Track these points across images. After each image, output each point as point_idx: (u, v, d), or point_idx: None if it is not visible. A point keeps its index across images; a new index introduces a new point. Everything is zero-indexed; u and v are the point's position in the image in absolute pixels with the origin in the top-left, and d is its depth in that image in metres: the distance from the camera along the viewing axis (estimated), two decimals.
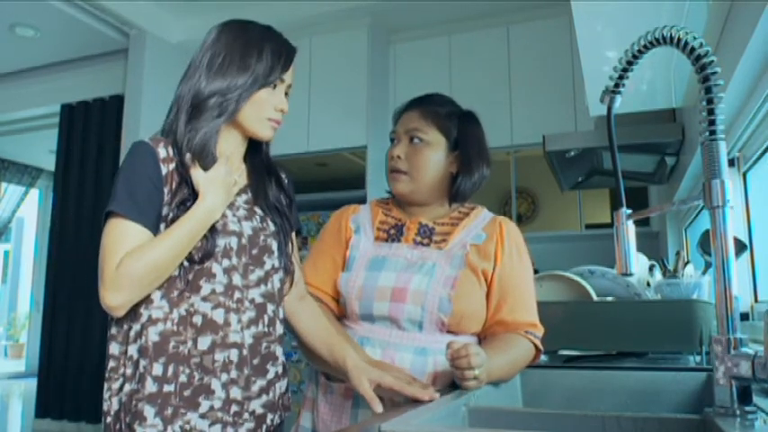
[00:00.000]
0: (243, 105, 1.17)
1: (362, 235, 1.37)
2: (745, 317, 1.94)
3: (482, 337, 1.33)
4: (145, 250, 1.05)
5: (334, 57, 4.14)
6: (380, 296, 1.26)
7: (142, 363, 1.07)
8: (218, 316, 1.11)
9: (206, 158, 1.14)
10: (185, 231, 1.08)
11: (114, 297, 1.04)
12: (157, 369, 1.07)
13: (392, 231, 1.36)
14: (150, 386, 1.06)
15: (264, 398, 1.16)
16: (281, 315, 1.23)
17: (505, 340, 1.26)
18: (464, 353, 1.06)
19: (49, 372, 4.66)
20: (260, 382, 1.16)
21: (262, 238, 1.19)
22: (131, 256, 1.04)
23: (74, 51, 4.75)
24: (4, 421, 5.56)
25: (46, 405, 4.63)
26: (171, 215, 1.11)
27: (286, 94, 1.23)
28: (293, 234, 1.31)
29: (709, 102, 0.88)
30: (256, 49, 1.18)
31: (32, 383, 5.12)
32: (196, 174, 1.12)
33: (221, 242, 1.13)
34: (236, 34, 1.20)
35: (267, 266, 1.20)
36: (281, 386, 1.21)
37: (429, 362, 1.23)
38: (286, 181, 1.32)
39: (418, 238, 1.33)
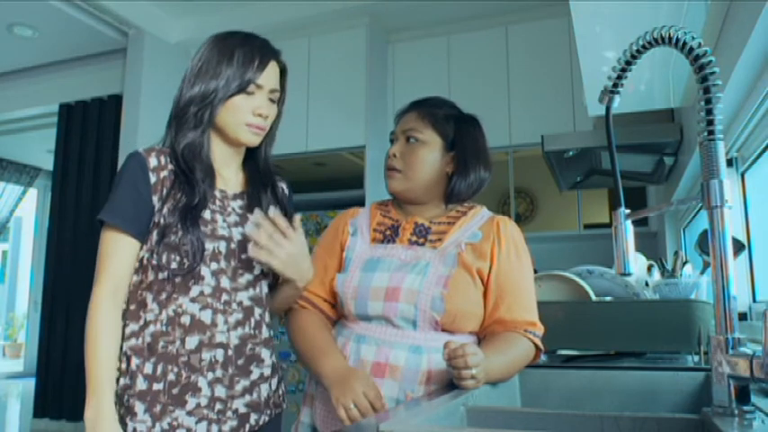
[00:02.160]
0: (218, 112, 1.19)
1: (359, 237, 1.39)
2: (743, 317, 1.94)
3: (481, 337, 1.33)
4: (89, 342, 1.09)
5: (333, 57, 4.14)
6: (375, 296, 1.27)
7: (135, 361, 1.13)
8: (206, 316, 1.16)
9: (202, 168, 1.19)
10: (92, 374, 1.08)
11: (97, 294, 1.13)
12: (148, 368, 1.13)
13: (388, 232, 1.37)
14: (141, 384, 1.12)
15: (248, 397, 1.19)
16: (267, 319, 1.27)
17: (504, 339, 1.25)
18: (460, 352, 1.06)
19: (48, 371, 4.66)
20: (243, 382, 1.19)
21: (252, 243, 1.21)
22: (100, 318, 1.10)
23: (72, 51, 4.74)
24: (2, 421, 5.55)
25: (44, 405, 4.63)
26: (162, 221, 1.15)
27: (273, 100, 1.25)
28: None
29: (708, 102, 0.88)
30: (227, 55, 1.20)
31: (30, 383, 5.11)
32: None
33: (210, 246, 1.17)
34: (214, 44, 1.23)
35: (257, 271, 1.23)
36: (266, 387, 1.24)
37: (423, 360, 1.23)
38: (286, 191, 1.35)
39: (413, 238, 1.34)
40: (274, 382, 1.27)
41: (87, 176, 4.74)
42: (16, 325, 9.68)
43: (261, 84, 1.21)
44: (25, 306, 8.56)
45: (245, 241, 1.20)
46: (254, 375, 1.21)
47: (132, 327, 1.16)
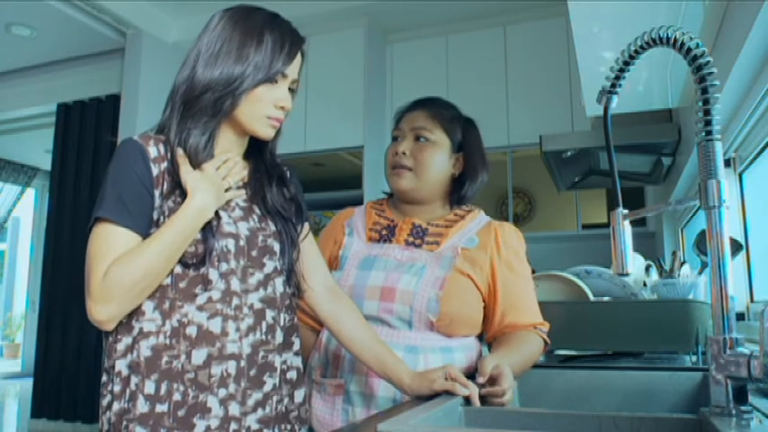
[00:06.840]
0: (240, 102, 1.06)
1: (355, 236, 1.39)
2: (740, 317, 1.95)
3: (491, 341, 1.34)
4: (133, 256, 0.97)
5: (331, 57, 4.14)
6: (370, 295, 1.27)
7: (134, 380, 0.99)
8: (215, 326, 1.02)
9: (203, 159, 1.06)
10: (175, 232, 0.98)
11: (103, 310, 0.96)
12: (150, 387, 0.98)
13: (384, 232, 1.37)
14: (142, 406, 0.97)
15: (260, 412, 1.06)
16: (281, 322, 1.12)
17: (517, 338, 1.28)
18: (496, 374, 1.08)
19: (45, 372, 4.65)
20: (256, 396, 1.05)
21: (261, 238, 1.10)
22: (119, 264, 0.96)
23: (70, 51, 4.74)
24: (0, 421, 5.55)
25: (42, 405, 4.62)
26: (162, 219, 1.02)
27: (292, 90, 1.12)
28: (305, 225, 1.21)
29: (705, 102, 0.88)
30: (255, 38, 1.06)
31: (28, 383, 5.11)
32: (185, 171, 1.02)
33: (217, 245, 1.03)
34: (235, 21, 1.08)
35: (268, 269, 1.10)
36: (279, 398, 1.10)
37: (420, 359, 1.24)
38: (289, 176, 1.23)
39: (410, 239, 1.34)
40: (294, 392, 1.13)
41: (85, 176, 4.73)
42: (14, 325, 9.67)
43: (287, 74, 1.09)
44: (23, 306, 8.55)
45: (253, 237, 1.09)
46: (268, 386, 1.07)
47: (126, 340, 1.00)
